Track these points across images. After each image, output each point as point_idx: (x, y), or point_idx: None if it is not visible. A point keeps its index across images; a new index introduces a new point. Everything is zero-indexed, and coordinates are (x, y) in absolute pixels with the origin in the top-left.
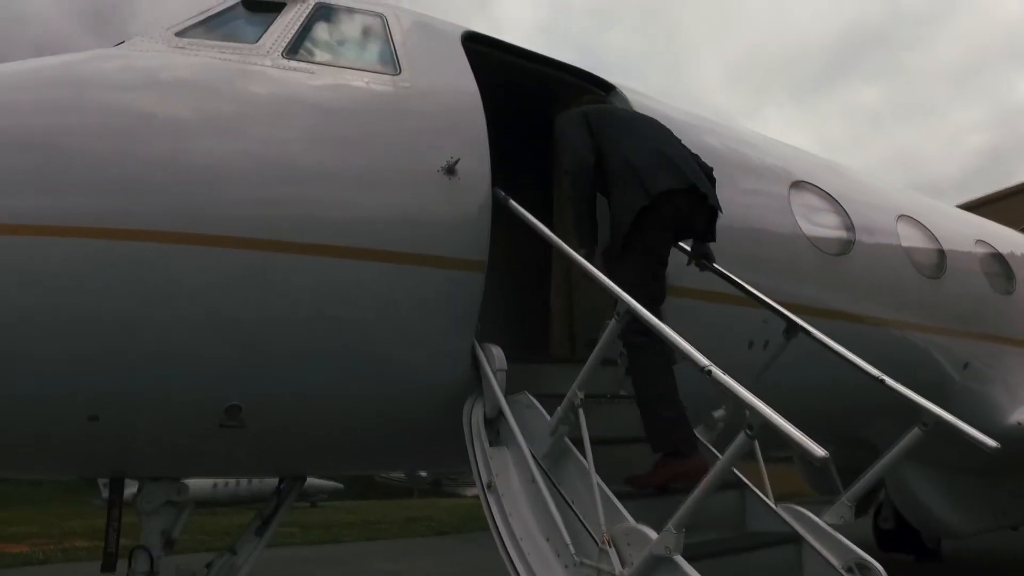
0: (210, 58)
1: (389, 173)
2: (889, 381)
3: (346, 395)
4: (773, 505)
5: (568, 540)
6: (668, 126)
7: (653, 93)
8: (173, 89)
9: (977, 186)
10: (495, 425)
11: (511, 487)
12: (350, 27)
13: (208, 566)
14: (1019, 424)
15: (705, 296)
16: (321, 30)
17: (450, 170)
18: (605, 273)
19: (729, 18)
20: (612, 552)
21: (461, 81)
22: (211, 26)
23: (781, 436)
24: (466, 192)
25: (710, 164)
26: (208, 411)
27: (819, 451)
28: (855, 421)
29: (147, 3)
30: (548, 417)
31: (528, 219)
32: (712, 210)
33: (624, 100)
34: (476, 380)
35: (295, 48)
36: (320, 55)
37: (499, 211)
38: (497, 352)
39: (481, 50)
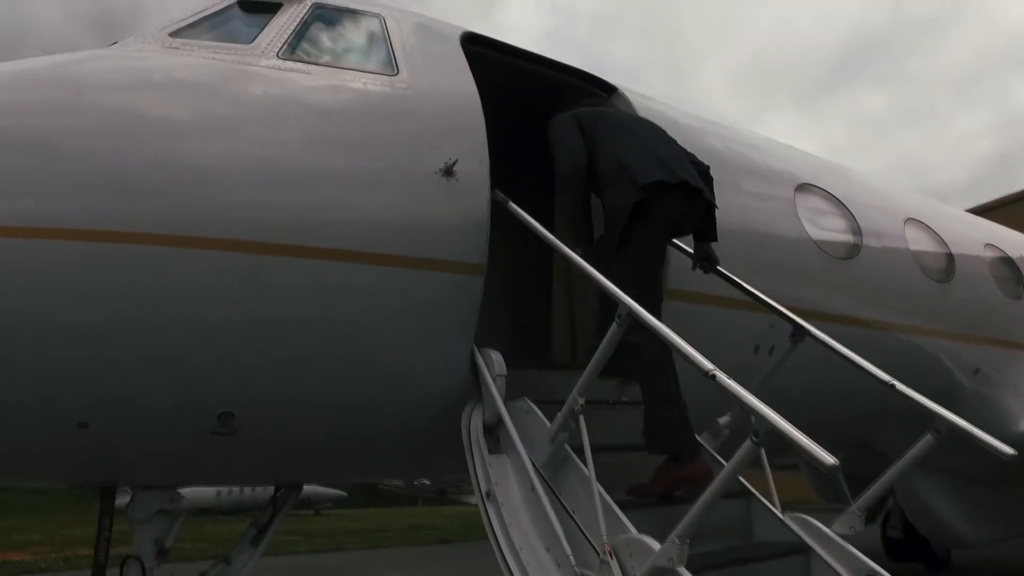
0: (204, 58)
1: (386, 174)
2: (899, 386)
3: (341, 402)
4: (780, 514)
5: (569, 551)
6: (671, 128)
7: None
8: (166, 90)
9: (983, 192)
10: (495, 432)
11: (511, 496)
12: (348, 28)
13: None
14: None
15: (710, 300)
16: (318, 31)
17: (448, 172)
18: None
19: (733, 24)
20: (614, 563)
21: (460, 82)
22: (206, 27)
23: (788, 443)
24: (464, 194)
25: (715, 167)
26: (201, 418)
27: (828, 459)
28: (863, 427)
29: (155, 12)
30: (548, 424)
31: (528, 221)
32: (708, 206)
33: (626, 102)
34: (475, 386)
35: (291, 49)
36: (317, 56)
37: (499, 213)
38: (496, 357)
39: (481, 51)
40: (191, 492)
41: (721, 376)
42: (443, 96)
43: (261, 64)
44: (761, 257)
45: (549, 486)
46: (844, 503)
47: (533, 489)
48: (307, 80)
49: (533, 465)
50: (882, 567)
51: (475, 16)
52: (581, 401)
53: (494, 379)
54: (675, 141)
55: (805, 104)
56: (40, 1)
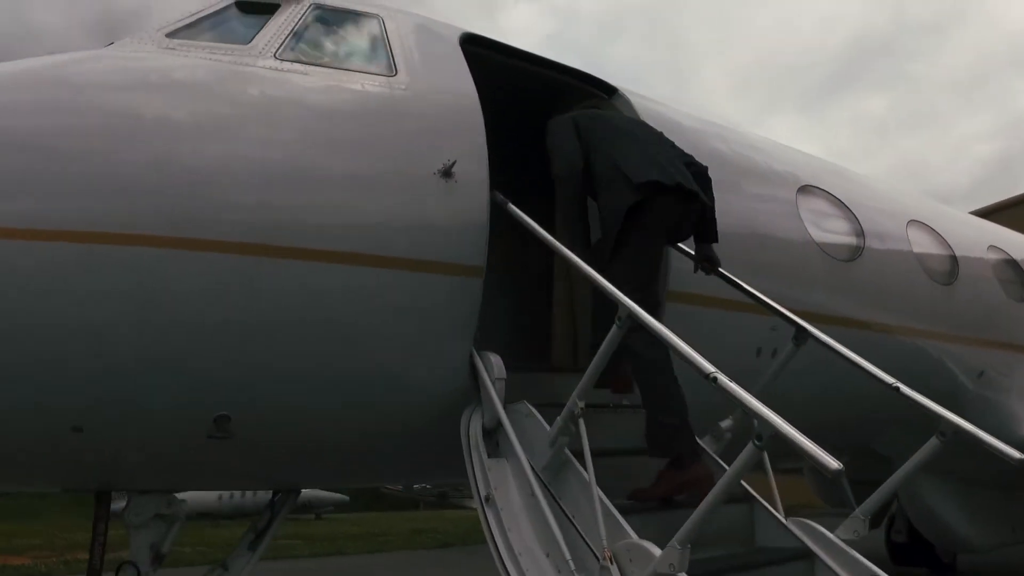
0: (201, 59)
1: (384, 176)
2: (904, 389)
3: (339, 405)
4: (783, 519)
5: (568, 556)
6: (673, 130)
7: None
8: (164, 90)
9: (985, 195)
10: (494, 436)
11: (510, 500)
12: (346, 28)
13: None
14: None
15: (711, 302)
16: (316, 31)
17: (447, 173)
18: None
19: (734, 26)
20: (614, 569)
21: (459, 83)
22: (203, 27)
23: (792, 447)
24: (463, 195)
25: (717, 169)
26: (196, 421)
27: (833, 463)
28: (866, 431)
29: (156, 15)
30: (548, 427)
31: (528, 223)
32: (705, 208)
33: (627, 103)
34: (474, 389)
35: (289, 49)
36: (315, 56)
37: (499, 215)
38: (496, 360)
39: (480, 52)
40: (192, 496)
41: (722, 379)
42: (442, 97)
43: (259, 65)
44: (763, 259)
45: (549, 490)
46: (848, 507)
47: (533, 494)
48: (305, 81)
49: (532, 469)
50: (886, 572)
51: (477, 18)
52: (581, 404)
53: (493, 382)
54: (672, 144)
55: (807, 108)
56: (42, 6)
